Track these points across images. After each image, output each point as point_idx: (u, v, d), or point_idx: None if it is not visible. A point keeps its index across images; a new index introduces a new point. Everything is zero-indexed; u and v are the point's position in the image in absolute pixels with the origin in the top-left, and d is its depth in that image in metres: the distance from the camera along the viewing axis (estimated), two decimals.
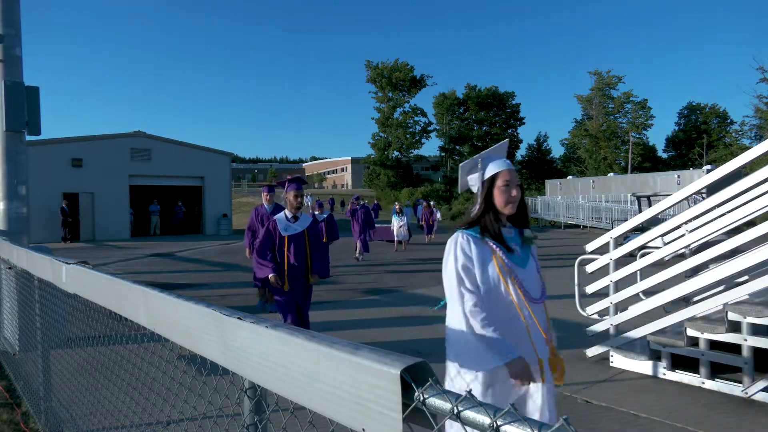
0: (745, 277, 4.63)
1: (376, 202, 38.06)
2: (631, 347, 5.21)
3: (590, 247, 5.85)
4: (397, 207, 20.28)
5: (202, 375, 1.64)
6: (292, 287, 5.15)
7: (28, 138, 6.65)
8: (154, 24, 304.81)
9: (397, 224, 19.03)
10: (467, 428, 0.82)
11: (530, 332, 2.31)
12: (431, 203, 25.71)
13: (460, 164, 2.44)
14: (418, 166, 59.13)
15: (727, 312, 4.43)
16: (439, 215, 25.08)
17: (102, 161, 23.78)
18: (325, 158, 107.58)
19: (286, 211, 5.21)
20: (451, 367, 2.31)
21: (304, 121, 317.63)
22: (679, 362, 4.82)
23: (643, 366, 5.02)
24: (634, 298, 5.39)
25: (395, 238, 19.03)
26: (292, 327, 1.14)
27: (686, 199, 5.29)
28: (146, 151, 25.36)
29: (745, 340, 4.30)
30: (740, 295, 4.35)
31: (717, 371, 4.57)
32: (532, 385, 2.28)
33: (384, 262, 14.84)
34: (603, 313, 5.67)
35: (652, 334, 4.93)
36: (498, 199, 2.34)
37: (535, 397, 2.31)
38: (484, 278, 2.25)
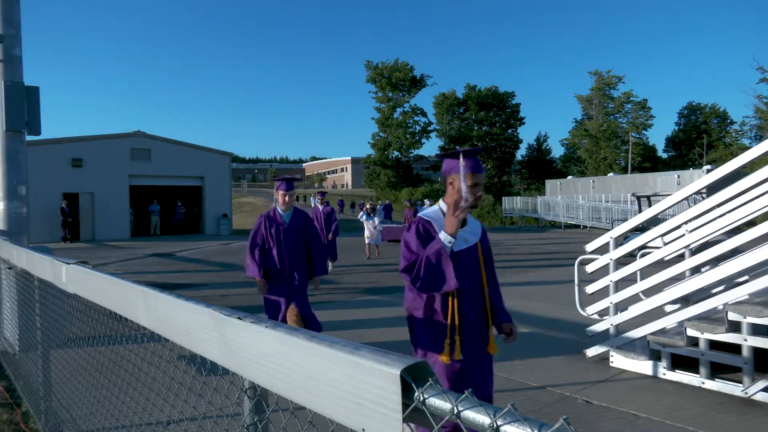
0: (745, 277, 4.63)
1: (387, 201, 35.50)
2: (631, 347, 5.21)
3: (590, 247, 5.85)
4: (367, 206, 17.40)
5: (202, 375, 1.64)
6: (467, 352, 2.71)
7: (28, 138, 6.65)
8: (155, 24, 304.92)
9: (368, 227, 16.10)
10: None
11: None
12: (424, 202, 23.95)
13: None
14: (418, 166, 59.12)
15: (727, 312, 4.43)
16: None
17: (102, 161, 23.78)
18: (325, 158, 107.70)
19: (442, 205, 2.84)
20: None
21: (304, 121, 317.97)
22: (679, 362, 4.82)
23: (643, 366, 5.02)
24: (634, 298, 5.39)
25: (366, 242, 16.21)
26: (291, 327, 1.14)
27: (686, 199, 5.29)
28: (146, 151, 25.36)
29: (745, 340, 4.30)
30: (740, 295, 4.35)
31: (717, 371, 4.57)
32: None
33: (384, 262, 14.84)
34: (603, 313, 5.67)
35: (652, 334, 4.93)
36: None
37: None
38: None
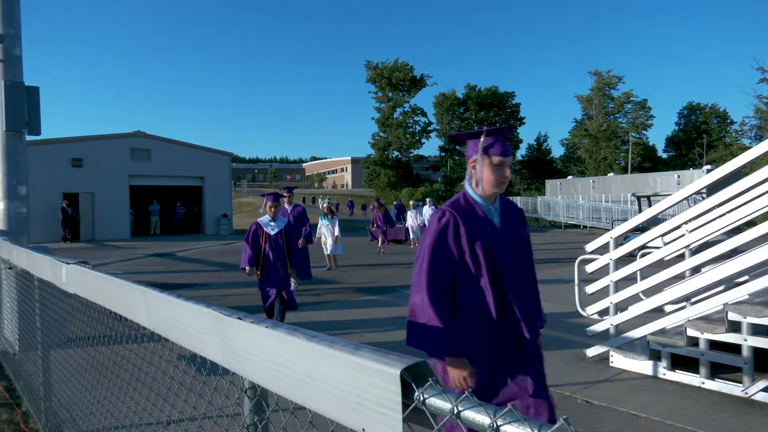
0: (745, 277, 4.63)
1: (400, 201, 32.36)
2: (631, 347, 5.21)
3: (590, 247, 5.85)
4: (324, 206, 13.68)
5: (202, 375, 1.64)
6: None
7: (28, 138, 6.65)
8: (155, 24, 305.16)
9: (324, 232, 13.10)
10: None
11: None
12: (411, 203, 20.94)
13: None
14: (418, 167, 59.13)
15: (727, 312, 4.43)
16: (413, 220, 19.72)
17: (102, 161, 23.78)
18: (325, 158, 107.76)
19: None
20: None
21: (304, 121, 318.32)
22: (679, 362, 4.82)
23: (643, 366, 5.02)
24: (634, 298, 5.39)
25: (325, 252, 13.21)
26: (291, 327, 1.14)
27: (686, 199, 5.29)
28: (146, 151, 25.37)
29: (745, 340, 4.30)
30: (740, 295, 4.35)
31: (717, 371, 4.57)
32: None
33: (385, 261, 14.84)
34: (603, 313, 5.67)
35: (652, 334, 4.93)
36: None
37: None
38: None
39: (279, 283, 6.48)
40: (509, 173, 2.43)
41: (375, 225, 17.70)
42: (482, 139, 2.39)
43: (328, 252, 13.12)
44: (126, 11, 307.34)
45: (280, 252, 6.50)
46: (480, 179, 2.43)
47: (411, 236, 19.67)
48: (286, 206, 9.56)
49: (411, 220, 19.86)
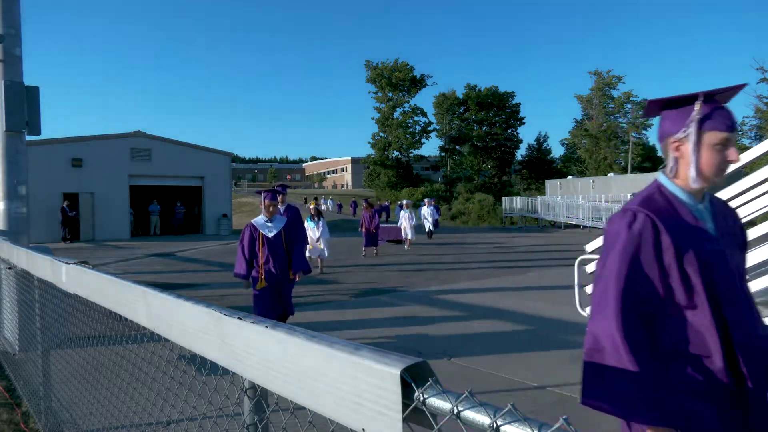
0: (746, 277, 4.62)
1: (406, 200, 33.13)
2: None
3: (590, 247, 5.85)
4: (311, 207, 13.14)
5: (202, 375, 1.64)
6: None
7: (28, 138, 6.65)
8: (154, 24, 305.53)
9: (312, 234, 12.31)
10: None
11: None
12: (404, 203, 20.68)
13: None
14: (418, 167, 59.17)
15: None
16: (406, 221, 19.20)
17: (102, 161, 23.78)
18: (325, 158, 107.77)
19: None
20: None
21: (304, 121, 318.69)
22: None
23: None
24: None
25: (307, 254, 11.58)
26: (291, 327, 1.14)
27: None
28: (146, 151, 25.37)
29: None
30: None
31: None
32: None
33: (385, 262, 14.83)
34: None
35: None
36: None
37: None
38: None
39: (278, 294, 5.95)
40: (736, 155, 1.62)
41: (363, 226, 16.79)
42: (697, 107, 1.62)
43: (312, 255, 12.24)
44: (126, 11, 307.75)
45: (279, 257, 5.90)
46: (691, 166, 1.63)
47: (409, 237, 19.32)
48: (279, 206, 8.62)
49: (404, 220, 19.33)
